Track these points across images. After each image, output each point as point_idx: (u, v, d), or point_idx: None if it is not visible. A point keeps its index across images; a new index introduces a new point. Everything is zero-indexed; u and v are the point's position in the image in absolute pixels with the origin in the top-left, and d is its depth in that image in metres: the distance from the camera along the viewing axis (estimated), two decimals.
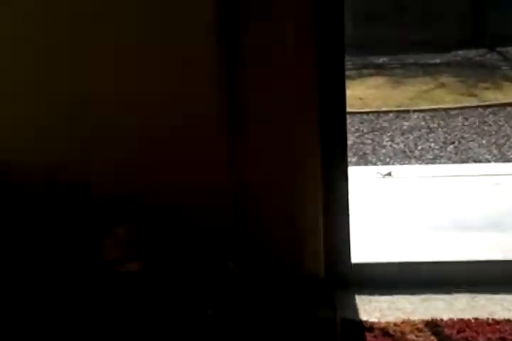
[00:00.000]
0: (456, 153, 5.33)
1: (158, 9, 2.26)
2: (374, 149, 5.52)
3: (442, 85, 7.21)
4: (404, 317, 2.25)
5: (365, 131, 5.96)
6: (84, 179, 2.33)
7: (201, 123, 2.31)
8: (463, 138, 5.67)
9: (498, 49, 8.35)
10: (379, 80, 7.44)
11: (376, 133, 5.91)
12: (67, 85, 2.30)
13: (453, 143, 5.56)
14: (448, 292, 2.39)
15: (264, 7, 2.27)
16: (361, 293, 2.41)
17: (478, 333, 2.14)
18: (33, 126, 2.32)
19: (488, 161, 5.11)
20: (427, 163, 5.12)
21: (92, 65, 2.30)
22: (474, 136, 5.71)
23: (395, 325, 2.20)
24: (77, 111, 2.31)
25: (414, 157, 5.30)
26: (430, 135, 5.79)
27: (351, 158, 4.96)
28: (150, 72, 2.30)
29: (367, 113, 6.37)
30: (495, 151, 5.32)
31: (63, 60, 2.29)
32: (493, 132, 5.78)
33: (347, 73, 2.45)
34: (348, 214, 2.45)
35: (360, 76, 7.49)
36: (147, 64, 2.30)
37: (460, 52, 8.28)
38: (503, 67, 7.87)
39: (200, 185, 2.31)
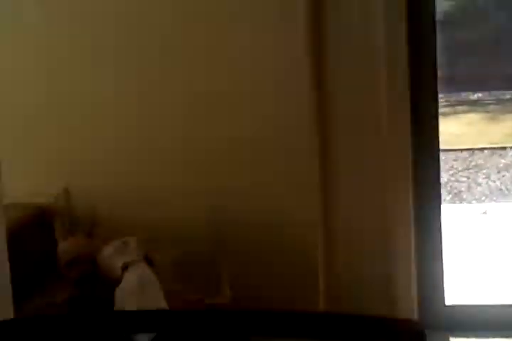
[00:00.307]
0: None
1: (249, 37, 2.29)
2: (469, 187, 5.41)
3: None
4: None
5: (460, 168, 5.86)
6: None
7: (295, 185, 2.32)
8: None
9: None
10: (474, 117, 7.32)
11: (471, 170, 5.80)
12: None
13: None
14: None
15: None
16: (456, 335, 2.33)
17: None
18: None
19: None
20: None
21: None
22: None
23: None
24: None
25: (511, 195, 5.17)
26: None
27: (445, 196, 4.87)
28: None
29: (461, 150, 6.27)
30: None
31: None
32: None
33: (441, 110, 2.41)
34: (442, 258, 2.39)
35: (455, 112, 7.38)
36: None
37: None
38: None
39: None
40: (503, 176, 5.52)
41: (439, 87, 2.36)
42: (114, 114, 2.37)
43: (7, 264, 1.19)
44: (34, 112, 2.40)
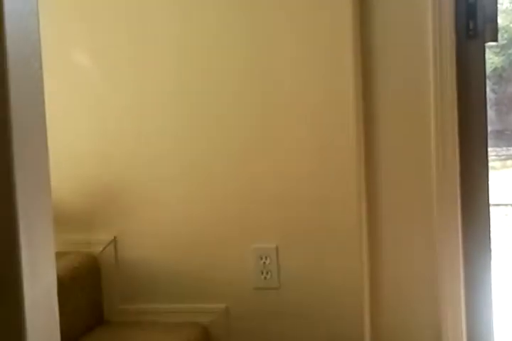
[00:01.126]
0: None
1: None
2: None
3: None
4: None
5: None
6: None
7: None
8: None
9: None
10: None
11: None
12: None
13: None
14: None
15: None
16: None
17: None
18: None
19: None
20: None
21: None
22: None
23: None
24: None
25: None
26: None
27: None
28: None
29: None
30: None
31: None
32: None
33: (490, 164, 2.40)
34: (492, 307, 2.36)
35: (504, 167, 7.30)
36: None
37: None
38: None
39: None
40: None
41: (489, 141, 2.36)
42: (166, 169, 2.39)
43: (57, 313, 1.20)
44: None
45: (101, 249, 2.40)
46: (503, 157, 7.44)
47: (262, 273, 2.34)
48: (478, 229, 2.36)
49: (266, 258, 2.33)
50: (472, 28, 2.29)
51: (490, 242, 2.38)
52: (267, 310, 2.34)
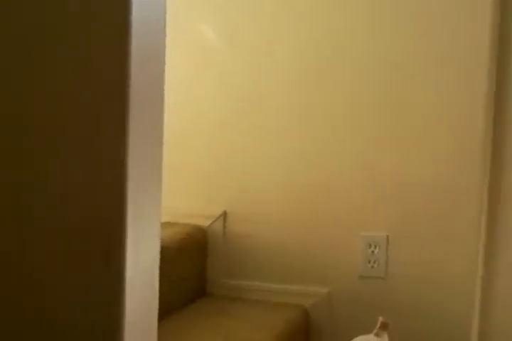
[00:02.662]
0: None
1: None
2: None
3: None
4: None
5: None
6: None
7: None
8: None
9: None
10: None
11: None
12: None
13: None
14: None
15: None
16: None
17: None
18: None
19: None
20: None
21: None
22: None
23: None
24: None
25: None
26: None
27: None
28: None
29: None
30: None
31: None
32: None
33: None
34: None
35: None
36: None
37: None
38: None
39: None
40: None
41: None
42: (277, 149, 2.37)
43: (157, 282, 1.19)
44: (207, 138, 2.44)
45: (210, 221, 2.41)
46: None
47: (369, 261, 2.29)
48: None
49: (375, 246, 2.28)
50: None
51: None
52: (371, 299, 2.29)
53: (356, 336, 2.02)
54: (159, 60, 1.13)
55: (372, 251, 2.28)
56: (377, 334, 1.98)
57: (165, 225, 2.35)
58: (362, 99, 2.29)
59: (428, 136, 2.24)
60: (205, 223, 2.41)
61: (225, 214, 2.41)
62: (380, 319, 1.97)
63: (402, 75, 2.25)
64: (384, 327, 1.96)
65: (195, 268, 2.38)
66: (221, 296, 2.42)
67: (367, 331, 2.01)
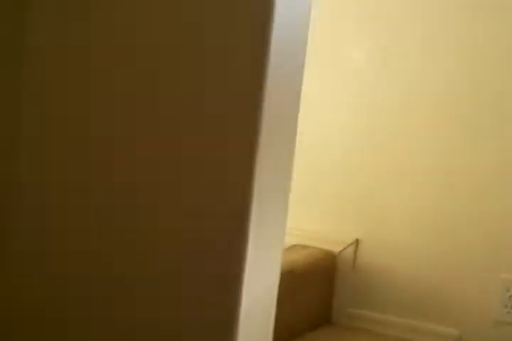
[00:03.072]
0: None
1: None
2: None
3: None
4: None
5: None
6: None
7: None
8: None
9: None
10: None
11: None
12: None
13: None
14: None
15: None
16: None
17: None
18: None
19: None
20: None
21: None
22: None
23: None
24: None
25: None
26: None
27: None
28: None
29: None
30: None
31: None
32: None
33: None
34: None
35: None
36: None
37: None
38: None
39: None
40: None
41: None
42: (412, 173, 2.28)
43: (273, 310, 1.15)
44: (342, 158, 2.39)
45: (342, 248, 2.35)
46: None
47: (506, 306, 2.15)
48: None
49: None
50: None
51: None
52: None
53: None
54: (296, 83, 1.10)
55: (510, 295, 2.14)
56: None
57: (296, 247, 2.32)
58: None
59: None
60: (336, 249, 2.35)
61: (357, 242, 2.34)
62: None
63: None
64: None
65: (321, 293, 2.32)
66: (345, 325, 2.35)
67: None
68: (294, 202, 2.30)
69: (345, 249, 2.34)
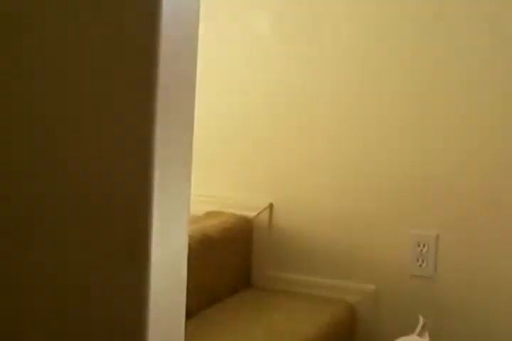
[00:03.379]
0: None
1: None
2: None
3: None
4: None
5: None
6: None
7: None
8: None
9: None
10: None
11: None
12: None
13: None
14: None
15: None
16: None
17: None
18: None
19: None
20: None
21: None
22: None
23: None
24: None
25: None
26: None
27: None
28: None
29: None
30: None
31: None
32: None
33: None
34: None
35: None
36: None
37: None
38: None
39: None
40: None
41: None
42: (329, 142, 2.32)
43: (184, 276, 1.16)
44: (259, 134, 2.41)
45: (256, 213, 2.38)
46: None
47: (418, 260, 2.22)
48: None
49: (424, 245, 2.21)
50: None
51: None
52: (419, 298, 2.23)
53: (401, 335, 1.97)
54: (192, 49, 1.10)
55: (421, 250, 2.22)
56: (419, 335, 1.93)
57: (211, 214, 2.33)
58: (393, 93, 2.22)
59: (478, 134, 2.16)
60: (251, 214, 2.38)
61: (271, 206, 2.37)
62: (421, 319, 1.92)
63: None
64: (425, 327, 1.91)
65: (239, 258, 2.36)
66: (265, 288, 2.39)
67: (412, 331, 1.96)
68: (205, 169, 2.32)
69: (260, 213, 2.37)
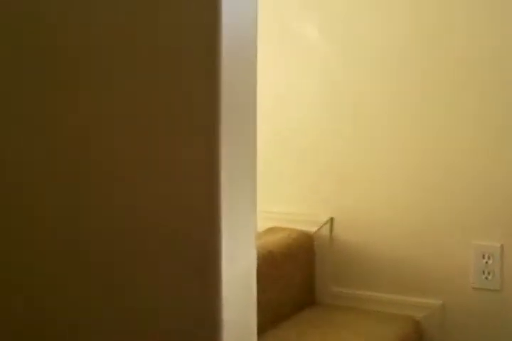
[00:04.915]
0: None
1: None
2: None
3: None
4: None
5: None
6: None
7: None
8: None
9: None
10: None
11: None
12: None
13: None
14: None
15: None
16: None
17: None
18: None
19: None
20: None
21: None
22: None
23: None
24: None
25: None
26: None
27: None
28: None
29: None
30: None
31: None
32: None
33: None
34: None
35: None
36: None
37: None
38: None
39: None
40: None
41: None
42: (388, 155, 2.30)
43: (254, 291, 1.17)
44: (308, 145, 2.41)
45: (317, 228, 2.37)
46: None
47: (484, 272, 2.19)
48: None
49: (488, 257, 2.17)
50: None
51: None
52: (486, 312, 2.19)
53: None
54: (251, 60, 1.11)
55: (486, 262, 2.18)
56: None
57: (271, 230, 2.33)
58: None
59: None
60: (312, 229, 2.37)
61: (331, 221, 2.36)
62: None
63: None
64: None
65: (302, 274, 2.34)
66: (330, 305, 2.37)
67: None
68: (265, 186, 2.32)
69: (320, 228, 2.36)
